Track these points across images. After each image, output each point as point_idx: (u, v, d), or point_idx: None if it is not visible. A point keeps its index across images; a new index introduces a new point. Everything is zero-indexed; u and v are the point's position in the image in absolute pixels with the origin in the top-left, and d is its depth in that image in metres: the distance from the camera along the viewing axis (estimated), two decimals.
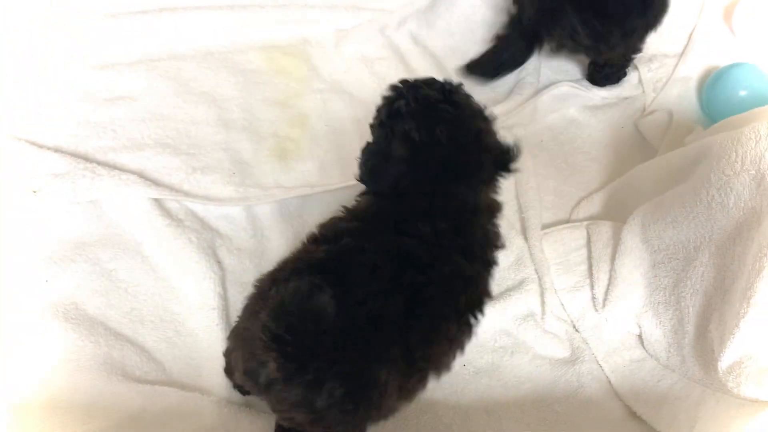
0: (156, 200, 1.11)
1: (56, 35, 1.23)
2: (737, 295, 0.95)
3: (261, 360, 0.70)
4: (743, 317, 0.93)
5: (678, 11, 1.50)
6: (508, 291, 1.16)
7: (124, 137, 1.16)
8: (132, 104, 1.19)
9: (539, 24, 1.23)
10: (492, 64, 1.32)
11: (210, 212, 1.14)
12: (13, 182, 1.09)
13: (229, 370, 0.95)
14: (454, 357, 0.86)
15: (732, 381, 0.97)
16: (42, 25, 1.24)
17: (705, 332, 1.05)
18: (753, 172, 0.91)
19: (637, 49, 1.33)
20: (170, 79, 1.23)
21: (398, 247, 0.79)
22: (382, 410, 0.79)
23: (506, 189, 1.24)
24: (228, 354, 0.89)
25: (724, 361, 0.98)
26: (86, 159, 1.11)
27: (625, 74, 1.39)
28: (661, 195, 1.10)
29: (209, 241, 1.12)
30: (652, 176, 1.17)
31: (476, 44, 1.41)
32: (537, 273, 1.18)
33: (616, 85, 1.39)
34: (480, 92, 1.35)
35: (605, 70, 1.36)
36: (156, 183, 1.13)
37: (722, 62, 1.42)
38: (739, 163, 0.92)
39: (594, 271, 1.19)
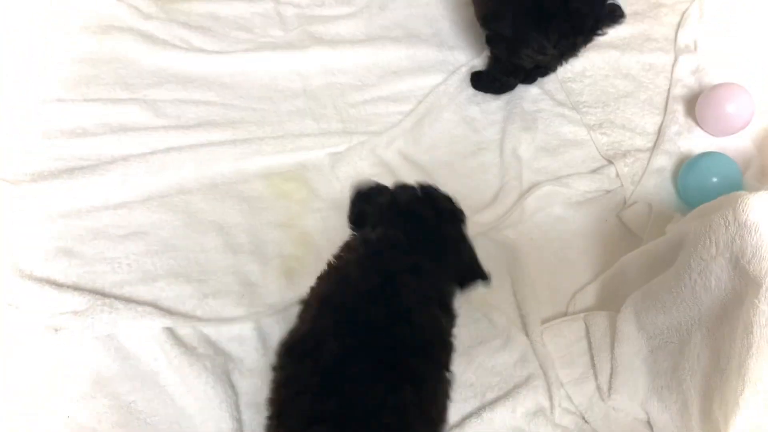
0: (170, 329, 1.17)
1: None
2: (733, 373, 0.99)
3: None
4: (741, 395, 0.97)
5: (644, 110, 1.64)
6: (516, 388, 1.19)
7: (138, 270, 1.23)
8: (144, 238, 1.27)
9: (513, 50, 1.44)
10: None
11: (222, 335, 1.20)
12: (34, 322, 1.15)
13: None
14: None
15: None
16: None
17: (710, 413, 1.08)
18: (728, 255, 0.97)
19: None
20: (179, 212, 1.31)
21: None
22: None
23: (503, 287, 1.32)
24: None
25: None
26: (103, 294, 1.18)
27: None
28: (649, 282, 1.16)
29: (222, 366, 1.16)
30: (639, 265, 1.23)
31: (459, 155, 1.52)
32: (542, 368, 1.22)
33: (597, 176, 1.48)
34: (468, 198, 1.43)
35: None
36: (170, 312, 1.18)
37: (692, 152, 1.52)
38: (714, 248, 0.99)
39: (596, 362, 1.23)
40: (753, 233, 0.94)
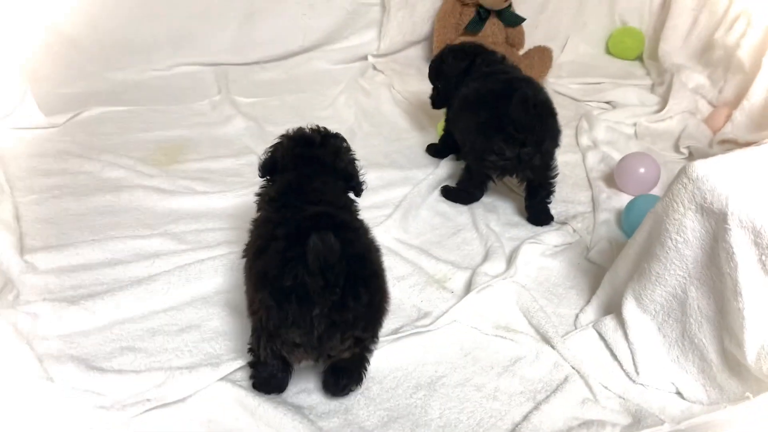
0: (244, 389, 1.25)
1: None
2: (730, 299, 1.21)
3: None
4: (744, 311, 1.19)
5: (575, 190, 2.00)
6: (560, 386, 1.35)
7: (199, 354, 1.33)
8: (198, 329, 1.38)
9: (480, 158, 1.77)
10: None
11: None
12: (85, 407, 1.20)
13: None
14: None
15: (766, 367, 1.18)
16: None
17: (724, 351, 1.27)
18: (693, 207, 1.25)
19: (553, 168, 1.80)
20: (223, 305, 1.45)
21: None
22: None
23: (519, 318, 1.51)
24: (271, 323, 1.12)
25: (750, 357, 1.20)
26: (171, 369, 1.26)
27: (552, 217, 1.85)
28: (638, 266, 1.40)
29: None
30: (625, 264, 1.47)
31: (443, 236, 1.78)
32: (574, 368, 1.38)
33: (560, 233, 1.77)
34: (462, 263, 1.66)
35: (538, 208, 1.83)
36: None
37: (623, 205, 1.87)
38: (681, 207, 1.27)
39: (616, 353, 1.41)
40: (706, 182, 1.23)
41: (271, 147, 1.38)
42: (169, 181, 1.84)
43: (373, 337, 1.20)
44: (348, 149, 1.42)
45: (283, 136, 1.39)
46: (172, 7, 2.46)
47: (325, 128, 1.41)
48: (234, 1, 2.53)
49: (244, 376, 1.27)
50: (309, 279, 1.03)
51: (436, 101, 2.08)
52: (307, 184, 1.29)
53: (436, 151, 2.13)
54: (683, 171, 1.29)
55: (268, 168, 1.36)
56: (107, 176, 1.83)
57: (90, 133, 2.03)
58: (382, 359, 1.36)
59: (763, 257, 1.17)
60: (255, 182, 1.84)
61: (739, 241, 1.19)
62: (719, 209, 1.21)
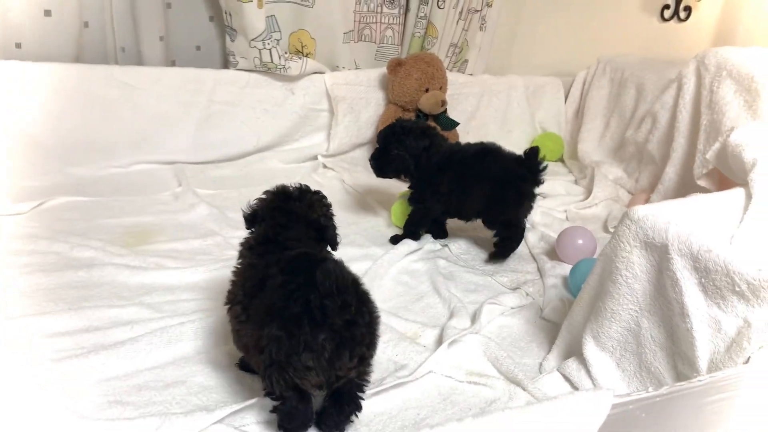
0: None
1: None
2: (679, 324, 1.36)
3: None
4: (693, 330, 1.33)
5: (521, 263, 2.17)
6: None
7: (188, 405, 1.33)
8: (184, 384, 1.39)
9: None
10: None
11: None
12: None
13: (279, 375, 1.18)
14: None
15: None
16: None
17: (678, 375, 1.40)
18: (638, 244, 1.43)
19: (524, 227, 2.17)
20: (208, 363, 1.47)
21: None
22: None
23: (489, 367, 1.60)
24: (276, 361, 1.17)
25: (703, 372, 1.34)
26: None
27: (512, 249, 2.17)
28: (594, 306, 1.54)
29: None
30: (581, 308, 1.61)
31: (409, 301, 1.88)
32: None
33: (515, 296, 1.92)
34: (430, 323, 1.76)
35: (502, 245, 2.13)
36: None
37: (567, 271, 2.04)
38: (627, 245, 1.44)
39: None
40: (646, 221, 1.42)
41: (254, 200, 1.48)
42: (139, 259, 1.88)
43: (372, 356, 1.26)
44: (322, 203, 1.52)
45: (266, 191, 1.50)
46: (131, 110, 2.59)
47: (306, 185, 1.52)
48: (192, 105, 2.69)
49: (242, 422, 1.29)
50: (328, 301, 1.11)
51: (385, 169, 2.25)
52: (283, 234, 1.39)
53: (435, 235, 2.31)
54: (626, 215, 1.47)
55: (250, 219, 1.46)
56: (77, 256, 1.85)
57: (56, 219, 2.06)
58: (368, 406, 1.40)
59: (703, 280, 1.33)
60: (223, 259, 1.94)
61: (681, 267, 1.35)
62: (661, 243, 1.39)
